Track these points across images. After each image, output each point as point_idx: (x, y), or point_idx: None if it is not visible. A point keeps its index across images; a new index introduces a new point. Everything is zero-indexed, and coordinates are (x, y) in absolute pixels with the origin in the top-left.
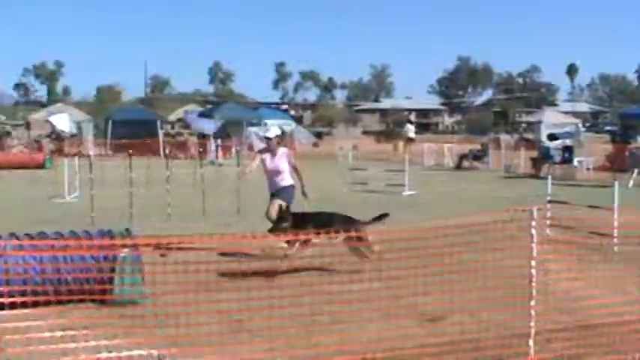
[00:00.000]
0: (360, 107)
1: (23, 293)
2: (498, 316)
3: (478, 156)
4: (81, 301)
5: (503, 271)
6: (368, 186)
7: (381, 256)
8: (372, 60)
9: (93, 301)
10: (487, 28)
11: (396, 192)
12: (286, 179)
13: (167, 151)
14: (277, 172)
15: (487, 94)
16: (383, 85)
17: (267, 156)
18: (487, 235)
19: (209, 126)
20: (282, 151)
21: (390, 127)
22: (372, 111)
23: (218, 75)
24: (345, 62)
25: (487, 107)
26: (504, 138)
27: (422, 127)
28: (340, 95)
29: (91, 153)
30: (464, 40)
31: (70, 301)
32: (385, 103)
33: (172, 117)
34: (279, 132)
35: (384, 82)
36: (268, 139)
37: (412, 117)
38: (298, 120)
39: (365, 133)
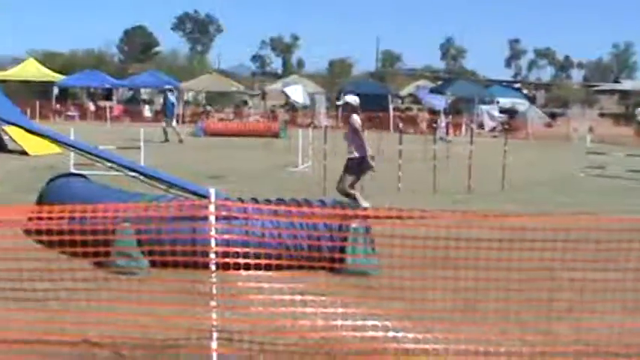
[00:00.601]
0: (598, 88)
1: (264, 256)
2: None
3: None
4: (313, 268)
5: None
6: (606, 171)
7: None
8: (613, 38)
9: (324, 268)
10: None
11: (638, 178)
12: (352, 152)
13: (400, 126)
14: (349, 143)
15: None
16: (626, 64)
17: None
18: None
19: (440, 102)
20: (351, 120)
21: (630, 110)
22: (611, 92)
23: (450, 51)
24: (583, 40)
25: None
26: None
27: None
28: (576, 75)
29: (323, 124)
30: None
31: (302, 267)
32: (626, 85)
33: (403, 92)
34: (349, 100)
35: (628, 61)
36: (340, 107)
37: None
38: (531, 99)
39: (602, 115)
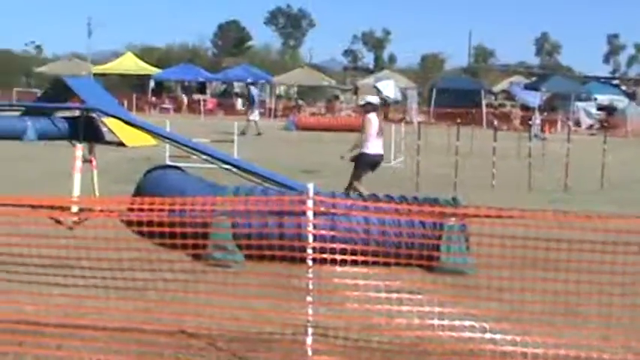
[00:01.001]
0: None
1: (361, 252)
2: None
3: None
4: (409, 265)
5: None
6: None
7: None
8: None
9: (420, 266)
10: None
11: None
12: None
13: (494, 123)
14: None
15: None
16: None
17: None
18: None
19: (534, 99)
20: (365, 117)
21: None
22: None
23: (545, 46)
24: None
25: None
26: None
27: None
28: None
29: (415, 120)
30: None
31: (397, 265)
32: None
33: (496, 88)
34: (371, 100)
35: None
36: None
37: None
38: (631, 96)
39: None
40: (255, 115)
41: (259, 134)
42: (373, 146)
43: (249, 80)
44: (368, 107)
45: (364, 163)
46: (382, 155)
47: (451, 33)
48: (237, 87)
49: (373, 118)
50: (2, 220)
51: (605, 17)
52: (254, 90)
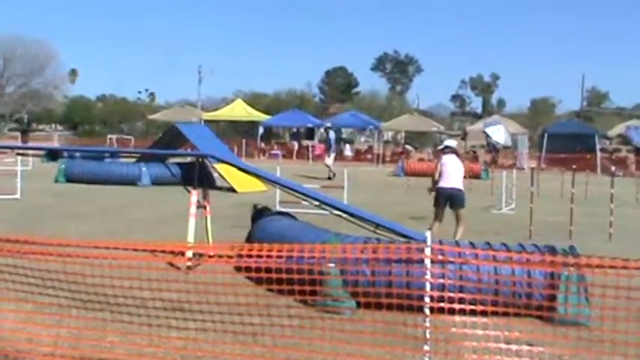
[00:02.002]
0: None
1: (478, 302)
2: None
3: None
4: (519, 315)
5: None
6: None
7: None
8: None
9: (537, 317)
10: None
11: None
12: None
13: (613, 169)
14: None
15: None
16: None
17: None
18: None
19: None
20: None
21: None
22: None
23: None
24: None
25: None
26: None
27: None
28: None
29: (526, 166)
30: None
31: (516, 315)
32: None
33: (611, 132)
34: (450, 144)
35: None
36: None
37: None
38: None
39: None
40: (330, 160)
41: (330, 178)
42: (445, 181)
43: (327, 125)
44: (447, 150)
45: (437, 198)
46: (455, 188)
47: (562, 76)
48: (345, 133)
49: (443, 158)
50: (123, 264)
51: None
52: (332, 134)
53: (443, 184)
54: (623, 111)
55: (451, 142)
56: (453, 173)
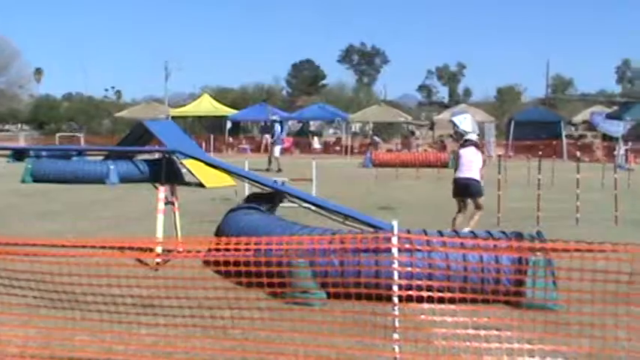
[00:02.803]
0: None
1: (446, 289)
2: None
3: None
4: (493, 301)
5: None
6: None
7: None
8: None
9: (505, 302)
10: None
11: None
12: None
13: (578, 154)
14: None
15: None
16: None
17: None
18: None
19: (617, 128)
20: None
21: None
22: None
23: (626, 74)
24: None
25: None
26: None
27: None
28: None
29: (493, 154)
30: None
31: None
32: None
33: (576, 119)
34: (471, 137)
35: None
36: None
37: None
38: None
39: None
40: (276, 151)
41: (280, 170)
42: (461, 172)
43: (274, 117)
44: (467, 143)
45: (454, 189)
46: (471, 179)
47: (527, 64)
48: (313, 125)
49: (466, 152)
50: (91, 262)
51: None
52: (278, 126)
53: (459, 174)
54: (587, 97)
55: (472, 136)
56: (468, 165)
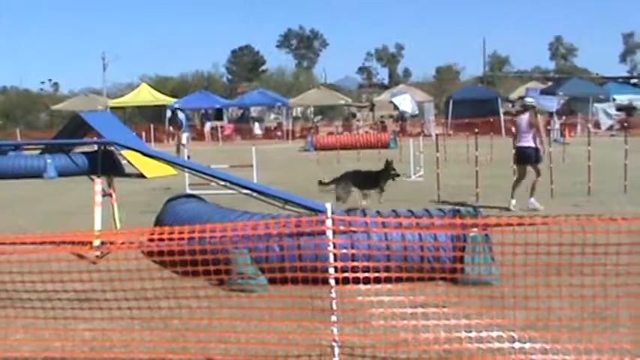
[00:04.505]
0: None
1: (385, 269)
2: None
3: None
4: (432, 279)
5: None
6: None
7: None
8: None
9: (444, 279)
10: None
11: None
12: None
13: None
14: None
15: None
16: None
17: None
18: None
19: (551, 103)
20: None
21: None
22: None
23: (559, 50)
24: None
25: None
26: None
27: None
28: None
29: (433, 133)
30: None
31: (421, 279)
32: None
33: (513, 95)
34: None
35: None
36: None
37: None
38: None
39: None
40: (184, 139)
41: (189, 158)
42: (518, 140)
43: (175, 105)
44: (526, 107)
45: (514, 156)
46: (525, 146)
47: (465, 43)
48: (254, 111)
49: (521, 120)
50: (26, 259)
51: (619, 16)
52: (181, 114)
53: (516, 142)
54: (523, 74)
55: (528, 99)
56: (522, 132)
